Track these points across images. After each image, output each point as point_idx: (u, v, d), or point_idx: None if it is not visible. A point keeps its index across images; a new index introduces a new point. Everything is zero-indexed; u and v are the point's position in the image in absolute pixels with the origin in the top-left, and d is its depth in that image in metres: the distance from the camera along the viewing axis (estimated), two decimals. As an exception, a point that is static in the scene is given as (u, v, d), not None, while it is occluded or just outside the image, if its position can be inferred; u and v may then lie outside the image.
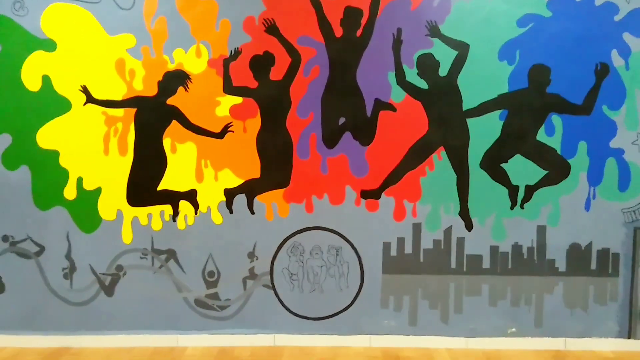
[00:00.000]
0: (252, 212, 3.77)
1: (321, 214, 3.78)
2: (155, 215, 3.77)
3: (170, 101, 3.69)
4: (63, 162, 3.70)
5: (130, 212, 3.73)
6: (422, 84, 3.69)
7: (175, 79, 3.68)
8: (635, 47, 3.63)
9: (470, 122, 3.72)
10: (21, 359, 3.61)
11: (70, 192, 3.69)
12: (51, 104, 3.67)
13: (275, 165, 3.75)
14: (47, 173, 3.70)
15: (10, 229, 3.76)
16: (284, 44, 3.66)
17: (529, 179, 3.75)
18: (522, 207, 3.76)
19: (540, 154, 3.73)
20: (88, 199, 3.71)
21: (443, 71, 3.68)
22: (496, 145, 3.73)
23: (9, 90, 3.65)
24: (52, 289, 3.79)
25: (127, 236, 3.74)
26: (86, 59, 3.63)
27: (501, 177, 3.75)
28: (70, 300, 3.80)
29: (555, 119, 3.70)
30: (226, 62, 3.67)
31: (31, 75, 3.65)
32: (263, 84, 3.69)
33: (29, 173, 3.71)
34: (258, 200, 3.77)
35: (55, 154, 3.70)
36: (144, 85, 3.67)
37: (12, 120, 3.67)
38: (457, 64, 3.67)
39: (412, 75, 3.68)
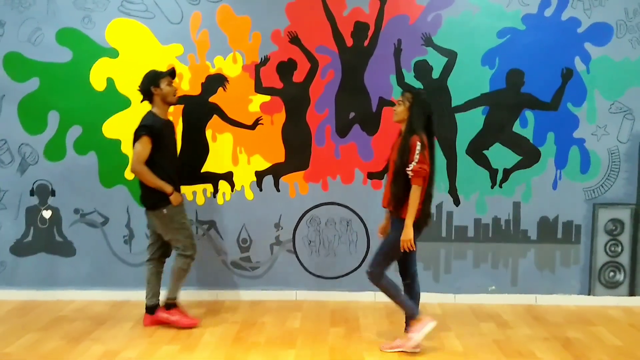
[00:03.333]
0: (278, 190, 4.16)
1: (335, 191, 4.16)
2: (199, 192, 4.17)
3: (211, 99, 4.08)
4: (124, 149, 4.11)
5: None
6: (418, 85, 4.03)
7: (216, 81, 4.07)
8: (594, 54, 4.00)
9: (458, 116, 4.08)
10: (90, 309, 4.03)
11: (129, 174, 4.06)
12: (114, 101, 4.08)
13: (297, 152, 4.13)
14: (111, 158, 4.12)
15: (81, 203, 4.17)
16: (304, 52, 4.04)
17: (506, 163, 4.11)
18: (500, 186, 4.12)
19: (516, 143, 4.09)
20: (144, 179, 4.09)
21: (436, 74, 4.04)
22: (479, 135, 4.09)
23: (79, 90, 4.06)
24: (115, 253, 4.21)
25: (176, 210, 4.12)
26: (143, 64, 3.99)
27: (483, 162, 4.12)
28: (130, 262, 4.21)
29: (528, 114, 4.07)
30: (257, 67, 4.06)
31: (97, 77, 4.06)
32: (287, 85, 4.08)
33: (96, 158, 4.13)
34: (283, 180, 4.16)
35: (117, 143, 4.11)
36: (190, 86, 4.07)
37: (82, 115, 4.08)
38: (447, 69, 4.03)
39: (410, 78, 4.05)
